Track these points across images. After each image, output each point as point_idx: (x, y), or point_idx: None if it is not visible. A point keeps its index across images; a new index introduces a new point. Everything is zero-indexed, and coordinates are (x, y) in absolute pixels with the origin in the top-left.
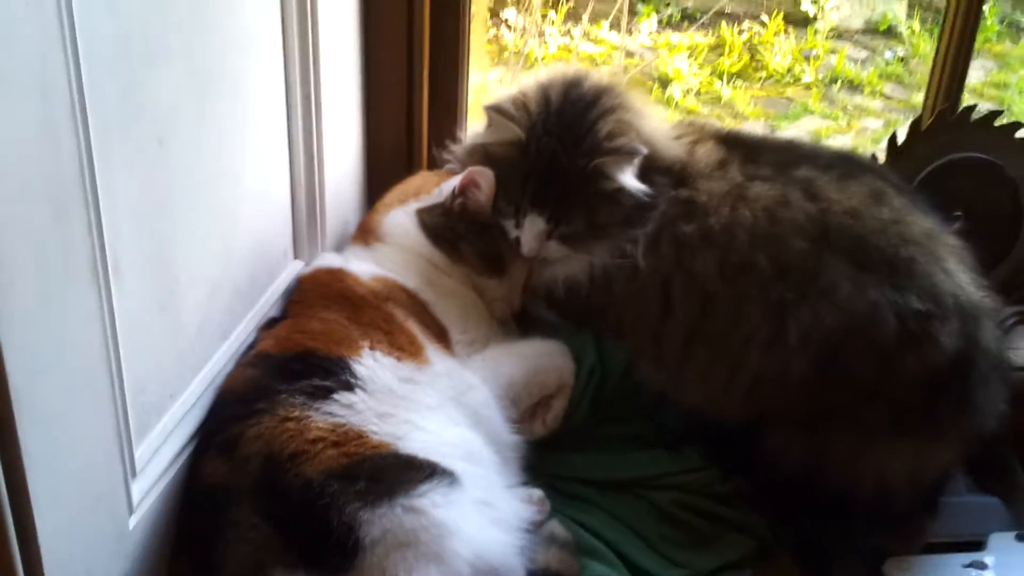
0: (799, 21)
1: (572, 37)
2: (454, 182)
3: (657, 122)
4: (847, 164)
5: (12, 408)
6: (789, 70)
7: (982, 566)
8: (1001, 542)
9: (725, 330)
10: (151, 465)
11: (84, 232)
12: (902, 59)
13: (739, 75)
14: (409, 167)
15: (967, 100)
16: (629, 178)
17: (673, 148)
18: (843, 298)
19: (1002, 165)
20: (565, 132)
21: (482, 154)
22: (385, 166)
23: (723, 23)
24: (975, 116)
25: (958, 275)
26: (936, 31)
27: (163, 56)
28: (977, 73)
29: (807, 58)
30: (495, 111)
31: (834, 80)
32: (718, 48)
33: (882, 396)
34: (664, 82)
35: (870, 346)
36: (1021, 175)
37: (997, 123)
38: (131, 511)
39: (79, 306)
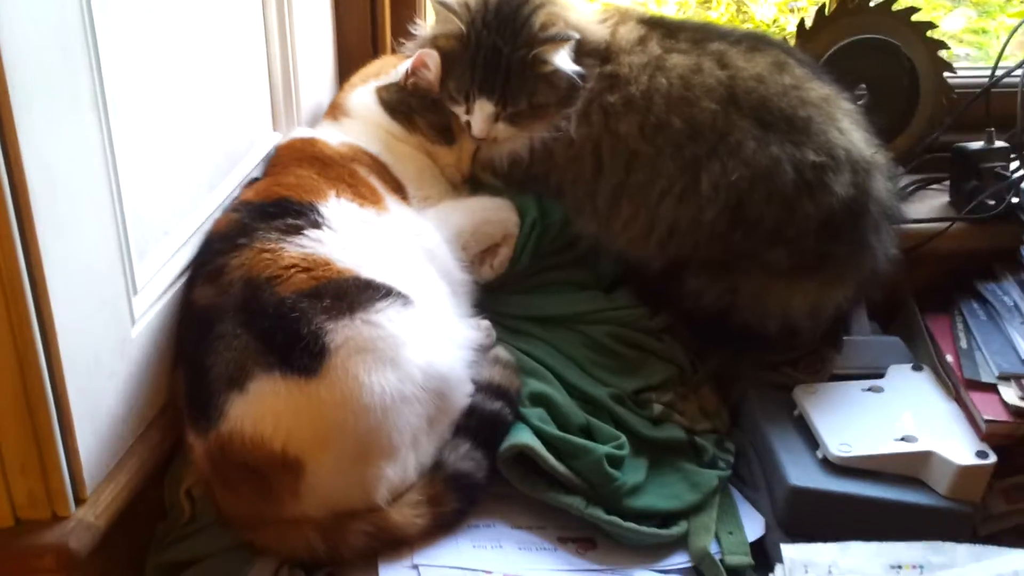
0: None
1: None
2: (407, 64)
3: (582, 11)
4: (756, 40)
5: (32, 211)
6: (775, 21)
7: (879, 390)
8: (898, 372)
9: (646, 184)
10: (149, 286)
11: (86, 72)
12: None
13: None
14: (374, 56)
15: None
16: (564, 61)
17: (598, 31)
18: (748, 153)
19: (899, 45)
20: (503, 26)
21: (431, 45)
22: (353, 56)
23: None
24: (874, 2)
25: (851, 133)
26: None
27: None
28: (958, 21)
29: (792, 10)
30: (440, 5)
31: None
32: (707, 1)
33: (783, 240)
34: None
35: (771, 195)
36: (917, 54)
37: (894, 8)
38: (133, 322)
39: (83, 134)
